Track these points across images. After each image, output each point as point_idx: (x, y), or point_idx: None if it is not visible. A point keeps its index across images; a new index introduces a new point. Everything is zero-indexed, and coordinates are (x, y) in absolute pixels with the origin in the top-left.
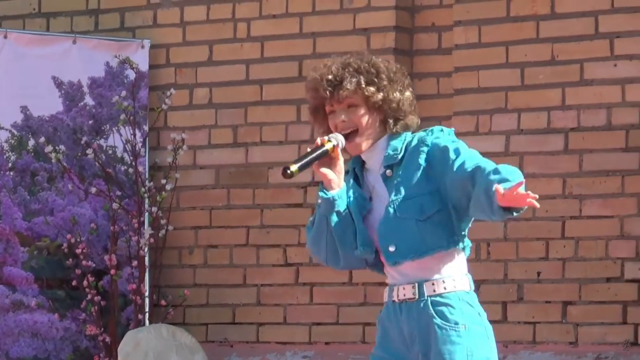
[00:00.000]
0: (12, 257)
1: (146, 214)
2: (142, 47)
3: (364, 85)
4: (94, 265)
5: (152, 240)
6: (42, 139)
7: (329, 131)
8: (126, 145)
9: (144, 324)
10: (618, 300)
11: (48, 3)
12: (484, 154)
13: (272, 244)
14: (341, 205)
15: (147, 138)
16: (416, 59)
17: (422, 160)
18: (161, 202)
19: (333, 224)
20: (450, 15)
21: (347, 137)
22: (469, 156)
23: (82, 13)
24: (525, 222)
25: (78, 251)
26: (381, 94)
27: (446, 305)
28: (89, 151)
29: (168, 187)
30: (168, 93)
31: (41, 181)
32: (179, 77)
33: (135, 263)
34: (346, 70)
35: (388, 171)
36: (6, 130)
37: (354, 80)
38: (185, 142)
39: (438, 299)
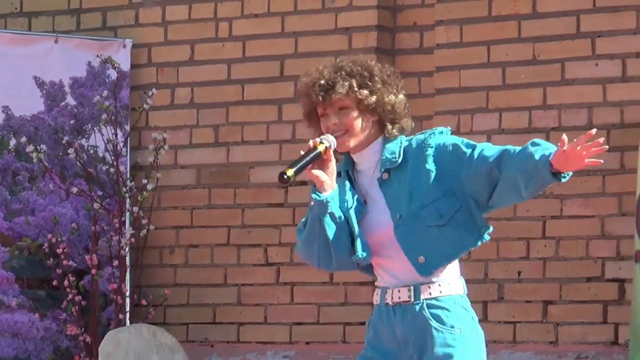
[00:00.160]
0: None
1: (127, 213)
2: (124, 46)
3: (356, 89)
4: (75, 265)
5: (133, 240)
6: (24, 139)
7: (322, 134)
8: (107, 145)
9: (124, 324)
10: (598, 299)
11: (30, 2)
12: None
13: (253, 244)
14: (334, 208)
15: (128, 138)
16: (398, 59)
17: (430, 164)
18: (142, 201)
19: (326, 226)
20: (432, 15)
21: (337, 138)
22: (486, 146)
23: (64, 12)
24: (506, 222)
25: (59, 251)
26: (375, 96)
27: (442, 308)
28: (71, 151)
29: (149, 186)
30: (149, 93)
31: (22, 181)
32: (160, 76)
33: (116, 263)
34: (338, 73)
35: (385, 175)
36: None
37: (346, 83)
38: (167, 142)
39: (434, 302)
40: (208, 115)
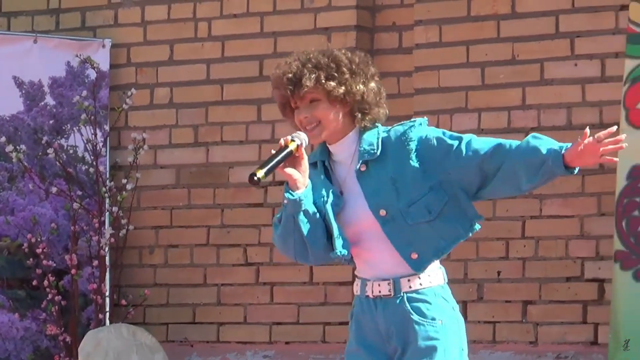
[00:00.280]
0: None
1: (107, 213)
2: (103, 46)
3: (323, 81)
4: (55, 265)
5: (112, 240)
6: (3, 139)
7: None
8: (87, 145)
9: (104, 324)
10: (578, 299)
11: (9, 2)
12: None
13: (233, 244)
14: (308, 205)
15: (107, 138)
16: (377, 59)
17: (414, 160)
18: (122, 201)
19: (301, 224)
20: (411, 15)
21: (309, 131)
22: (472, 137)
23: (43, 12)
24: (485, 222)
25: (39, 251)
26: (343, 87)
27: (423, 301)
28: (50, 151)
29: (129, 186)
30: (129, 93)
31: (2, 181)
32: (139, 76)
33: (95, 263)
34: (305, 66)
35: (362, 166)
36: None
37: (313, 76)
38: (146, 142)
39: (414, 295)
40: (187, 115)
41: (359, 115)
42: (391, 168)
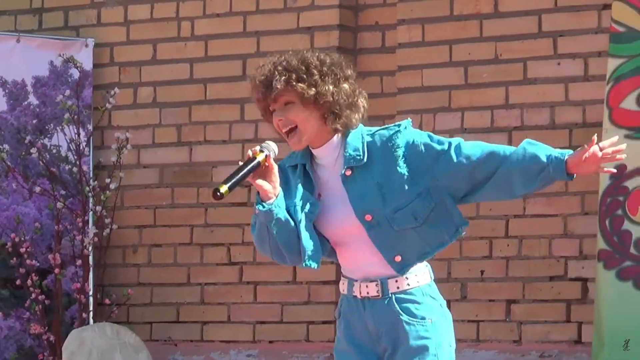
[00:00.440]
0: None
1: (90, 213)
2: (86, 46)
3: (294, 83)
4: (38, 264)
5: (96, 239)
6: None
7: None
8: (70, 145)
9: (88, 323)
10: (561, 298)
11: None
12: None
13: (216, 243)
14: (280, 214)
15: (91, 137)
16: (360, 58)
17: (402, 166)
18: (105, 201)
19: (274, 232)
20: (394, 14)
21: (288, 134)
22: (461, 142)
23: (26, 12)
24: (469, 221)
25: (22, 250)
26: (313, 88)
27: (411, 301)
28: (33, 150)
29: (112, 186)
30: (112, 92)
31: None
32: (123, 76)
33: (79, 262)
34: (276, 69)
35: (348, 171)
36: None
37: (282, 78)
38: (130, 141)
39: (402, 295)
40: (171, 114)
41: (330, 117)
42: (377, 173)
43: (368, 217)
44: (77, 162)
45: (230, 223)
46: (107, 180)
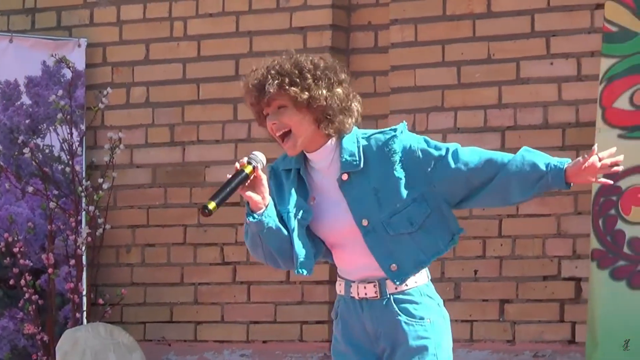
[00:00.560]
0: None
1: (83, 213)
2: (79, 46)
3: (287, 87)
4: (32, 264)
5: (89, 239)
6: None
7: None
8: (63, 145)
9: (81, 323)
10: (555, 298)
11: None
12: None
13: (210, 243)
14: (271, 223)
15: (84, 137)
16: (352, 58)
17: (398, 171)
18: (98, 201)
19: (266, 240)
20: (387, 14)
21: (282, 138)
22: (458, 148)
23: (19, 12)
24: (462, 221)
25: (15, 250)
26: (307, 92)
27: (410, 301)
28: (26, 150)
29: (105, 186)
30: (105, 92)
31: None
32: (115, 76)
33: (72, 262)
34: (269, 72)
35: (344, 175)
36: None
37: (275, 82)
38: (122, 141)
39: (400, 296)
40: (163, 114)
41: (324, 122)
42: (374, 178)
43: (365, 222)
44: (70, 162)
45: (224, 223)
46: (100, 180)
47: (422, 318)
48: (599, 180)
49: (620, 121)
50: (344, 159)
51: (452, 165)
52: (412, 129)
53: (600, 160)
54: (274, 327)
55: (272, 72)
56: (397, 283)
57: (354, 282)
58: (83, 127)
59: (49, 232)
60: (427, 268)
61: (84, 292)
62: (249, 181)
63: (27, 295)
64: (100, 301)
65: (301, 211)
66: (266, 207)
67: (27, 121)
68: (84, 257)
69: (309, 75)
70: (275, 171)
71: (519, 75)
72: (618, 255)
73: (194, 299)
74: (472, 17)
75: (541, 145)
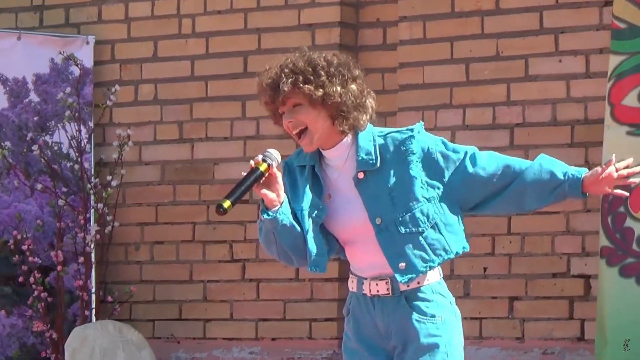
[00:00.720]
0: None
1: (92, 210)
2: (87, 43)
3: (301, 85)
4: (40, 261)
5: (98, 236)
6: None
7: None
8: (71, 142)
9: (90, 320)
10: (564, 295)
11: None
12: None
13: (219, 240)
14: (285, 220)
15: (92, 134)
16: (361, 55)
17: (414, 171)
18: (107, 198)
19: (280, 237)
20: (395, 11)
21: (299, 135)
22: (475, 152)
23: (27, 9)
24: (471, 218)
25: (24, 247)
26: (321, 89)
27: (422, 299)
28: (35, 147)
29: (114, 183)
30: (113, 89)
31: None
32: (123, 73)
33: (81, 259)
34: (283, 71)
35: (360, 174)
36: None
37: (289, 80)
38: (131, 138)
39: (412, 293)
40: (172, 111)
41: (339, 118)
42: (389, 177)
43: (378, 221)
44: (79, 159)
45: (233, 220)
46: (109, 178)
47: (433, 316)
48: (615, 191)
49: (629, 118)
50: (360, 158)
51: (470, 169)
52: None
53: (617, 170)
54: (283, 324)
55: (286, 70)
56: (404, 282)
57: (366, 279)
58: (91, 124)
59: (57, 229)
60: (439, 267)
61: (93, 290)
62: (263, 179)
63: (36, 293)
64: (109, 299)
65: (315, 209)
66: (281, 204)
67: (35, 118)
68: (92, 255)
69: (322, 73)
70: (289, 167)
71: (527, 72)
72: (627, 253)
73: (203, 296)
74: (480, 14)
75: (550, 142)
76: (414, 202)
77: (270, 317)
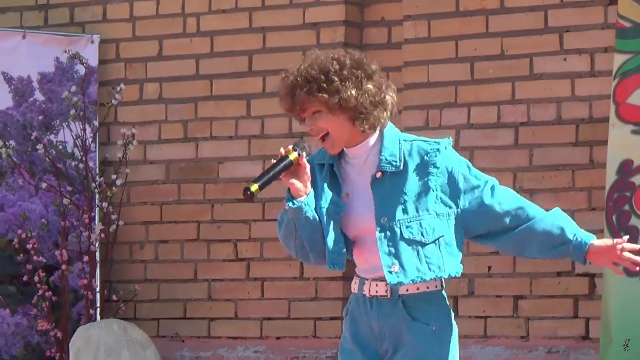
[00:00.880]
0: None
1: (97, 209)
2: (92, 42)
3: (316, 93)
4: (45, 260)
5: (102, 235)
6: None
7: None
8: (76, 141)
9: (95, 319)
10: (569, 294)
11: None
12: None
13: (223, 239)
14: (309, 212)
15: (97, 133)
16: (366, 54)
17: (433, 183)
18: (111, 197)
19: (301, 230)
20: (400, 10)
21: (322, 139)
22: (495, 185)
23: (32, 8)
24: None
25: (29, 247)
26: (336, 96)
27: (418, 305)
28: (39, 146)
29: (118, 182)
30: (118, 88)
31: None
32: (128, 72)
33: (86, 258)
34: (297, 81)
35: (379, 173)
36: None
37: (304, 90)
38: (136, 137)
39: (410, 298)
40: (177, 110)
41: (358, 119)
42: (406, 182)
43: (384, 220)
44: (83, 158)
45: (237, 219)
46: (113, 177)
47: (427, 324)
48: (615, 267)
49: (634, 117)
50: (383, 158)
51: (487, 199)
52: (425, 125)
53: (622, 250)
54: (288, 323)
55: (300, 79)
56: (392, 283)
57: (367, 280)
58: (96, 123)
59: (62, 228)
60: (442, 278)
61: (98, 289)
62: (292, 168)
63: (40, 292)
64: (114, 297)
65: (335, 207)
66: (307, 195)
67: (40, 117)
68: (97, 254)
69: (335, 78)
70: (310, 165)
71: (532, 71)
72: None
73: (208, 295)
74: (485, 13)
75: (554, 141)
76: (424, 213)
77: (275, 315)
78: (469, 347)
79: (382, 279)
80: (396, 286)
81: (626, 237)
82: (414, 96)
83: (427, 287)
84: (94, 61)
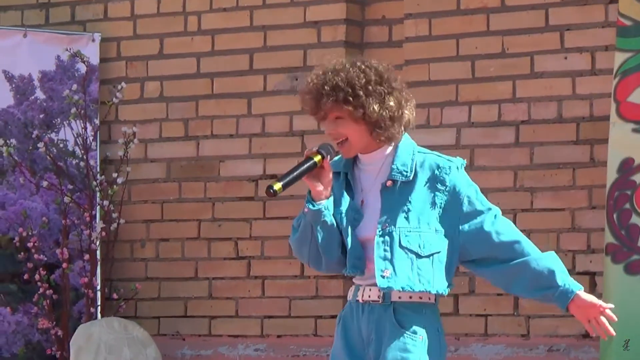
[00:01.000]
0: None
1: (97, 207)
2: (93, 40)
3: (342, 104)
4: (46, 258)
5: (103, 233)
6: None
7: None
8: (77, 139)
9: (95, 318)
10: None
11: None
12: (435, 148)
13: (224, 237)
14: (328, 217)
15: (98, 132)
16: (367, 52)
17: (438, 200)
18: (112, 195)
19: (318, 234)
20: (401, 8)
21: (340, 143)
22: (497, 216)
23: (33, 7)
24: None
25: (30, 245)
26: (361, 110)
27: (409, 314)
28: (40, 145)
29: (119, 180)
30: (119, 86)
31: None
32: (129, 70)
33: (87, 256)
34: (324, 88)
35: (389, 182)
36: None
37: (330, 99)
38: (137, 136)
39: (402, 306)
40: (178, 108)
41: (375, 132)
42: (413, 192)
43: (385, 225)
44: (84, 157)
45: (238, 217)
46: (114, 175)
47: (414, 332)
48: (589, 325)
49: (635, 115)
50: (395, 167)
51: (486, 226)
52: (426, 123)
53: (603, 312)
54: (289, 321)
55: (327, 88)
56: (382, 287)
57: (362, 285)
58: (97, 121)
59: (63, 226)
60: (437, 293)
61: (98, 287)
62: (315, 170)
63: (41, 290)
64: (115, 296)
65: (354, 213)
66: (327, 198)
67: (41, 116)
68: (98, 252)
69: (361, 93)
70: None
71: (533, 69)
72: (632, 250)
73: (209, 293)
74: (486, 11)
75: (555, 139)
76: (425, 226)
77: (276, 314)
78: (469, 345)
79: (376, 285)
80: (387, 291)
81: (611, 305)
82: (415, 94)
83: (420, 298)
84: (95, 59)
